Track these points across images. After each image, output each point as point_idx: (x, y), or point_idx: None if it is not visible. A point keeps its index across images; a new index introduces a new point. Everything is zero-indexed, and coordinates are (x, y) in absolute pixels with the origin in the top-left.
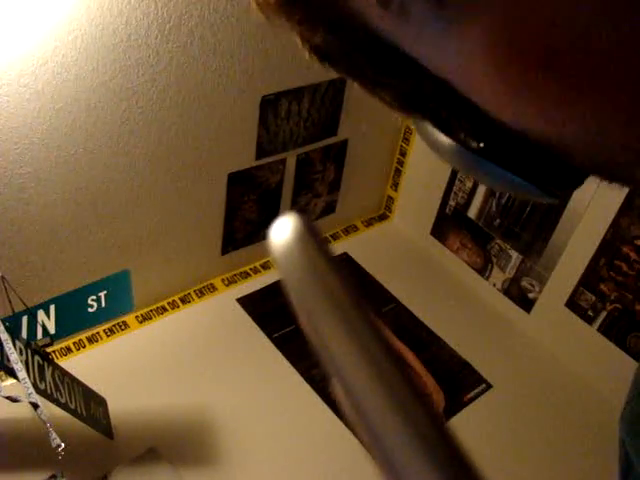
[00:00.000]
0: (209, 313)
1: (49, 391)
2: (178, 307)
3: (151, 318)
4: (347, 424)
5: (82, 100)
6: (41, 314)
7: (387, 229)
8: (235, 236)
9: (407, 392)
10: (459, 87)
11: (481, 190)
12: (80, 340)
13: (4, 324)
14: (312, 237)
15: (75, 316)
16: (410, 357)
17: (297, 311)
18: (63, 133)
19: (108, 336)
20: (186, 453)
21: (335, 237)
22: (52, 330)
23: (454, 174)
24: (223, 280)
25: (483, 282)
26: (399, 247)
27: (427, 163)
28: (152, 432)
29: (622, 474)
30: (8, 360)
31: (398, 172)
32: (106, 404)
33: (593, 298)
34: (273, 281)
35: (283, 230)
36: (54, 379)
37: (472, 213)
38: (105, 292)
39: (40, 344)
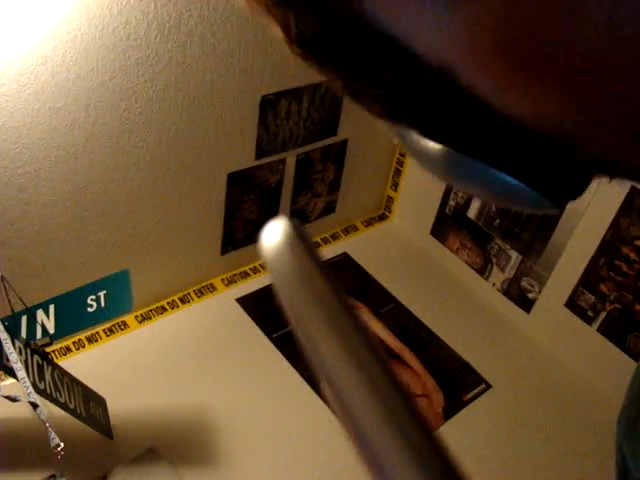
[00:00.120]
0: (209, 313)
1: (48, 391)
2: (178, 307)
3: (151, 318)
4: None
5: (82, 100)
6: (40, 314)
7: (387, 229)
8: (235, 236)
9: (394, 395)
10: (458, 73)
11: None
12: (79, 340)
13: (3, 324)
14: (302, 241)
15: (74, 316)
16: (409, 357)
17: (287, 314)
18: (62, 133)
19: (108, 336)
20: (186, 453)
21: (335, 237)
22: (51, 330)
23: None
24: (223, 280)
25: (483, 282)
26: (399, 247)
27: None
28: (152, 432)
29: (619, 479)
30: (7, 360)
31: (398, 172)
32: (105, 404)
33: (593, 298)
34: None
35: (274, 234)
36: (53, 379)
37: (472, 213)
38: (104, 292)
39: (39, 344)
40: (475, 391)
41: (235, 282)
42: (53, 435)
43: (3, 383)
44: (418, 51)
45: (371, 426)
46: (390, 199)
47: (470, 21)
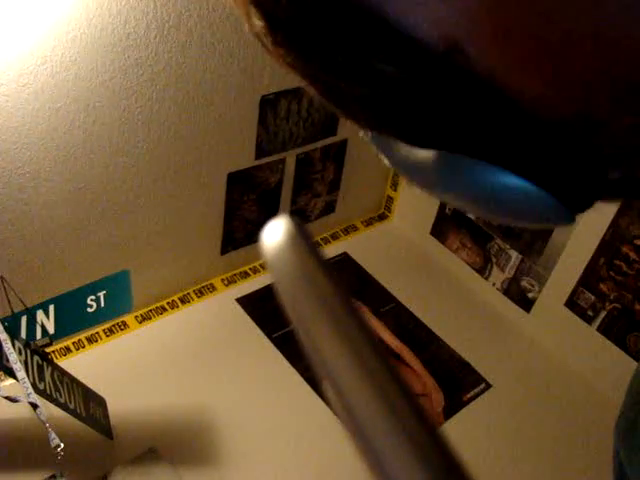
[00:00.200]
0: (208, 313)
1: (48, 391)
2: (177, 307)
3: (150, 318)
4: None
5: (81, 100)
6: (40, 314)
7: (387, 229)
8: (235, 236)
9: (398, 395)
10: (468, 52)
11: None
12: (79, 340)
13: (3, 324)
14: (304, 240)
15: (74, 316)
16: (409, 356)
17: (288, 314)
18: (62, 133)
19: (107, 336)
20: (186, 453)
21: (335, 237)
22: (51, 330)
23: None
24: (223, 280)
25: (483, 282)
26: (399, 247)
27: None
28: (152, 432)
29: None
30: (7, 360)
31: None
32: (105, 404)
33: (593, 298)
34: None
35: (275, 233)
36: (53, 379)
37: None
38: (104, 292)
39: (39, 344)
40: (475, 391)
41: (235, 282)
42: (53, 435)
43: (3, 384)
44: (419, 32)
45: (373, 424)
46: (390, 199)
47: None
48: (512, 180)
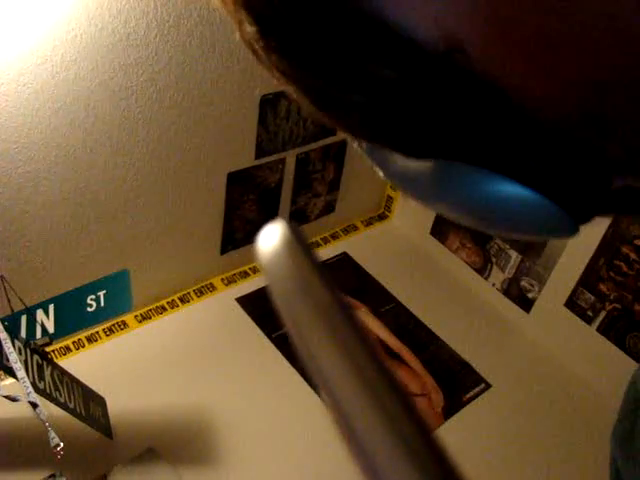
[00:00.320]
0: (208, 313)
1: (48, 390)
2: (177, 307)
3: (150, 318)
4: None
5: (81, 99)
6: (40, 313)
7: (387, 229)
8: (234, 236)
9: (394, 401)
10: (471, 52)
11: None
12: (79, 339)
13: (3, 323)
14: (299, 245)
15: (74, 316)
16: (409, 356)
17: (283, 319)
18: (62, 132)
19: (107, 335)
20: (185, 453)
21: (335, 237)
22: (51, 329)
23: None
24: (222, 280)
25: (482, 282)
26: (399, 247)
27: None
28: (151, 432)
29: None
30: (7, 359)
31: None
32: (105, 404)
33: (592, 298)
34: None
35: (270, 237)
36: (53, 378)
37: None
38: (104, 292)
39: (39, 343)
40: (475, 391)
41: (235, 282)
42: (53, 435)
43: (3, 383)
44: (418, 33)
45: (368, 432)
46: (390, 199)
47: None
48: (514, 189)
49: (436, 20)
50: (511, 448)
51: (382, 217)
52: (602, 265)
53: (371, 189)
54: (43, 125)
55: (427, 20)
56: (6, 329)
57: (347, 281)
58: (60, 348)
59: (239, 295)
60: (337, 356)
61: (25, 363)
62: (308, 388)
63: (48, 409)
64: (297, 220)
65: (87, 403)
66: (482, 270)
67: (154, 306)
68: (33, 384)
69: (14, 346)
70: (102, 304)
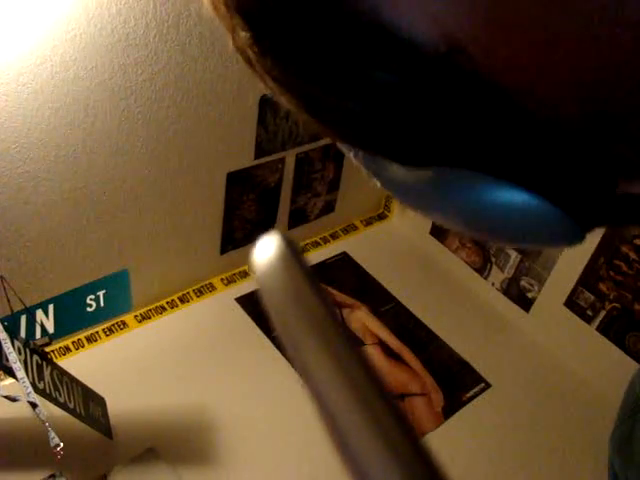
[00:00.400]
0: (208, 312)
1: (48, 390)
2: (177, 306)
3: (150, 318)
4: None
5: (81, 99)
6: (40, 314)
7: (386, 228)
8: (234, 235)
9: (384, 412)
10: (472, 52)
11: None
12: (79, 339)
13: (3, 324)
14: (294, 259)
15: (74, 316)
16: (409, 356)
17: (277, 331)
18: (62, 132)
19: (107, 335)
20: (185, 453)
21: (334, 236)
22: (51, 329)
23: None
24: (222, 279)
25: (482, 281)
26: (398, 246)
27: None
28: (151, 432)
29: None
30: (7, 359)
31: None
32: (105, 404)
33: (592, 297)
34: None
35: (266, 250)
36: (53, 378)
37: None
38: (104, 292)
39: (39, 344)
40: (474, 390)
41: (234, 281)
42: (53, 435)
43: (2, 383)
44: (417, 34)
45: (360, 444)
46: (389, 198)
47: None
48: (518, 194)
49: (435, 20)
50: (510, 447)
51: (382, 217)
52: (602, 264)
53: (371, 189)
54: (43, 125)
55: (426, 20)
56: (6, 329)
57: (347, 281)
58: (60, 348)
59: (239, 295)
60: (329, 367)
61: (25, 363)
62: None
63: (48, 409)
64: (297, 220)
65: (87, 403)
66: (482, 270)
67: (154, 306)
68: (33, 384)
69: (14, 346)
70: (102, 304)
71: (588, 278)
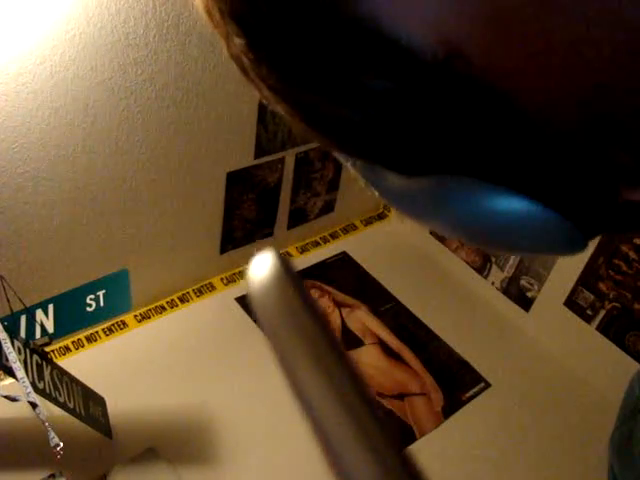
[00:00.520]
0: (208, 312)
1: (48, 390)
2: (177, 306)
3: (150, 317)
4: None
5: (80, 99)
6: (39, 313)
7: (386, 228)
8: (234, 235)
9: (375, 436)
10: (471, 55)
11: None
12: (79, 339)
13: (2, 324)
14: (289, 278)
15: (74, 315)
16: (408, 356)
17: (271, 350)
18: (61, 132)
19: (107, 335)
20: (185, 453)
21: (334, 236)
22: (51, 329)
23: None
24: (222, 279)
25: (482, 281)
26: (398, 246)
27: None
28: (151, 432)
29: None
30: (7, 359)
31: None
32: (105, 403)
33: (592, 297)
34: None
35: (260, 269)
36: (53, 378)
37: None
38: (104, 291)
39: (39, 343)
40: (474, 390)
41: (234, 281)
42: (52, 434)
43: (2, 383)
44: (415, 40)
45: (348, 457)
46: None
47: None
48: (519, 201)
49: (434, 26)
50: (510, 447)
51: (381, 216)
52: (601, 264)
53: None
54: (42, 125)
55: (424, 26)
56: (6, 329)
57: (347, 280)
58: (60, 348)
59: (239, 295)
60: (319, 384)
61: (25, 363)
62: None
63: (48, 409)
64: (296, 219)
65: (87, 403)
66: (482, 269)
67: (153, 306)
68: (33, 384)
69: (13, 346)
70: (101, 304)
71: (588, 277)
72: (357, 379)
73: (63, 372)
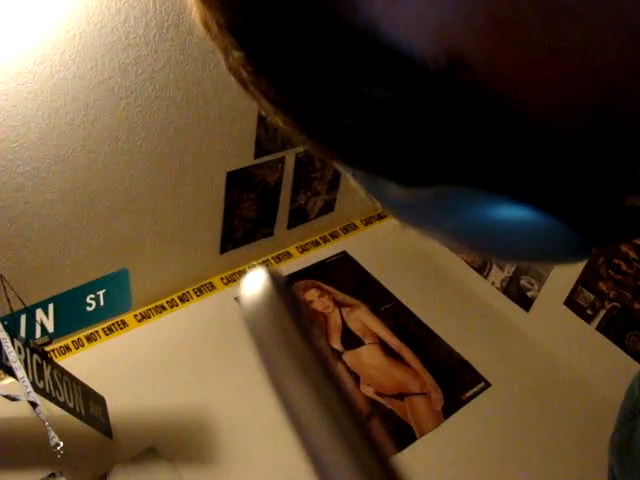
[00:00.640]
0: (208, 312)
1: (48, 390)
2: (177, 306)
3: (150, 317)
4: None
5: (80, 98)
6: (39, 313)
7: (386, 228)
8: (234, 235)
9: (368, 458)
10: (473, 64)
11: None
12: (79, 339)
13: (2, 323)
14: (280, 295)
15: (74, 315)
16: (408, 355)
17: (262, 367)
18: (61, 132)
19: (107, 335)
20: (185, 452)
21: (334, 236)
22: (51, 329)
23: None
24: (222, 279)
25: (482, 281)
26: (398, 246)
27: None
28: (151, 431)
29: None
30: (7, 359)
31: None
32: (105, 403)
33: (592, 297)
34: None
35: (252, 286)
36: (53, 378)
37: None
38: (104, 291)
39: (39, 343)
40: (474, 389)
41: (234, 281)
42: (52, 434)
43: (2, 382)
44: (417, 49)
45: (332, 462)
46: None
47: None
48: (522, 210)
49: (436, 34)
50: (510, 447)
51: (381, 216)
52: (601, 264)
53: None
54: (42, 124)
55: (426, 35)
56: (6, 329)
57: (347, 280)
58: (60, 347)
59: (238, 294)
60: (314, 410)
61: (25, 362)
62: None
63: (48, 408)
64: (297, 219)
65: (87, 402)
66: (482, 269)
67: (153, 305)
68: (33, 383)
69: (14, 345)
70: (102, 303)
71: (588, 277)
72: (346, 395)
73: (63, 372)
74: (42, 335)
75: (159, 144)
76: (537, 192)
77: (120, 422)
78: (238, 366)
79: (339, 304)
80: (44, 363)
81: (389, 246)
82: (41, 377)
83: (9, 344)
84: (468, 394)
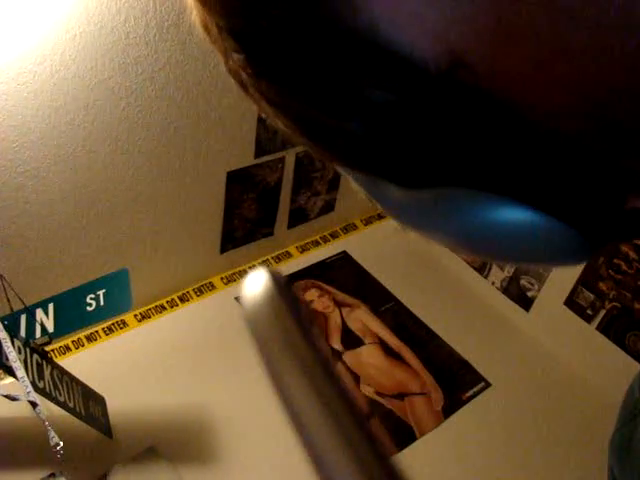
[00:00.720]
0: (208, 312)
1: (48, 390)
2: (177, 305)
3: (150, 317)
4: None
5: (81, 98)
6: (39, 313)
7: (386, 227)
8: (234, 234)
9: (370, 459)
10: (474, 64)
11: None
12: (79, 339)
13: (3, 323)
14: (281, 296)
15: (74, 315)
16: (408, 355)
17: (264, 368)
18: (62, 131)
19: (107, 335)
20: (185, 452)
21: (334, 235)
22: (51, 329)
23: None
24: (222, 279)
25: (482, 280)
26: (398, 246)
27: None
28: (151, 431)
29: None
30: (7, 359)
31: None
32: (105, 403)
33: (592, 297)
34: None
35: (253, 286)
36: (53, 378)
37: None
38: (104, 291)
39: (39, 343)
40: (474, 389)
41: (234, 280)
42: (52, 434)
43: (2, 382)
44: (417, 50)
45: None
46: None
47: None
48: (524, 211)
49: (437, 35)
50: (510, 446)
51: (382, 216)
52: (601, 264)
53: None
54: (42, 124)
55: (427, 36)
56: (6, 328)
57: (347, 280)
58: (60, 347)
59: (239, 294)
60: (315, 412)
61: (25, 362)
62: None
63: (48, 408)
64: (297, 219)
65: (87, 402)
66: (482, 269)
67: (154, 305)
68: (33, 383)
69: (14, 345)
70: (102, 303)
71: (588, 277)
72: (346, 395)
73: (63, 371)
74: (42, 335)
75: (159, 144)
76: (538, 193)
77: (120, 422)
78: (238, 366)
79: (339, 304)
80: (44, 363)
81: (389, 246)
82: (41, 377)
83: (9, 344)
84: (468, 394)
